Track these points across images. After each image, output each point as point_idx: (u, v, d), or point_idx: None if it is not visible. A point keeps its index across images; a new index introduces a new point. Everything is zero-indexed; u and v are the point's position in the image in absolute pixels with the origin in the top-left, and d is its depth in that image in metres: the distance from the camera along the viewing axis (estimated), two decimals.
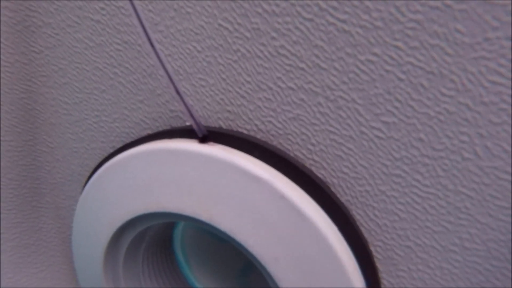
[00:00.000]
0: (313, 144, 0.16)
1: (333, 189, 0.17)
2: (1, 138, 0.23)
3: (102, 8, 0.19)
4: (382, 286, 0.17)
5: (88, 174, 0.23)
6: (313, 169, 0.17)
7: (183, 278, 0.26)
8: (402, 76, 0.14)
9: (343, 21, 0.14)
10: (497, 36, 0.12)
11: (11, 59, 0.22)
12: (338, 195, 0.17)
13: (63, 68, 0.21)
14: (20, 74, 0.22)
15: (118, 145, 0.21)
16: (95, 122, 0.22)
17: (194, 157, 0.17)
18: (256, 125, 0.17)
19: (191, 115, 0.16)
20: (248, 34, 0.16)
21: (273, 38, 0.15)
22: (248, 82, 0.17)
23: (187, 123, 0.19)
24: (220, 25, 0.16)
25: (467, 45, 0.13)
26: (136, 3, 0.15)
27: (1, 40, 0.21)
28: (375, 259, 0.17)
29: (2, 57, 0.22)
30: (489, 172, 0.14)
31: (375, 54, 0.14)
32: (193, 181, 0.17)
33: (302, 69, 0.15)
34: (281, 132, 0.17)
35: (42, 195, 0.26)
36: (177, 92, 0.15)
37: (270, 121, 0.17)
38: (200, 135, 0.16)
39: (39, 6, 0.20)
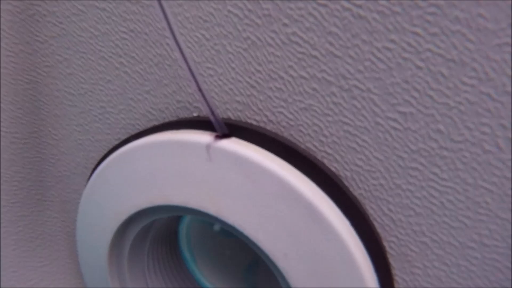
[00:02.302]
0: (325, 136, 0.16)
1: (346, 183, 0.16)
2: (5, 130, 0.23)
3: None
4: (396, 283, 0.17)
5: (93, 166, 0.23)
6: (325, 161, 0.16)
7: (189, 273, 0.25)
8: (421, 64, 0.13)
9: (359, 6, 0.14)
10: None
11: (15, 49, 0.21)
12: (351, 189, 0.16)
13: (68, 58, 0.21)
14: (24, 65, 0.22)
15: (124, 137, 0.21)
16: (100, 113, 0.21)
17: (202, 149, 0.16)
18: (266, 116, 0.17)
19: (212, 113, 0.15)
20: (258, 21, 0.15)
21: (285, 24, 0.15)
22: (259, 71, 0.16)
23: (194, 114, 0.18)
24: (229, 11, 0.16)
25: (490, 31, 0.12)
26: None
27: (5, 29, 0.21)
28: (389, 255, 0.16)
29: (6, 47, 0.21)
30: (511, 165, 0.13)
31: (392, 41, 0.13)
32: (200, 174, 0.16)
33: (315, 57, 0.15)
34: (292, 123, 0.16)
35: (46, 188, 0.25)
36: (199, 89, 0.15)
37: (281, 112, 0.16)
38: (220, 133, 0.16)
39: None
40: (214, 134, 0.17)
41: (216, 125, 0.16)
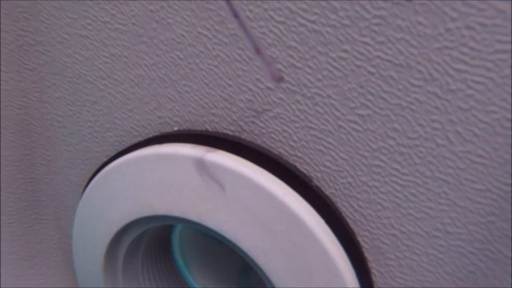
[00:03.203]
0: (295, 141, 0.17)
1: (317, 183, 0.17)
2: (0, 153, 0.24)
3: (89, 24, 0.19)
4: (373, 275, 0.18)
5: (85, 183, 0.24)
6: (297, 164, 0.17)
7: (183, 281, 0.26)
8: (372, 70, 0.15)
9: (313, 22, 0.15)
10: (457, 26, 0.13)
11: (6, 77, 0.23)
12: (323, 189, 0.17)
13: (56, 83, 0.22)
14: (15, 91, 0.23)
15: (112, 154, 0.22)
16: (88, 133, 0.22)
17: (182, 160, 0.17)
18: (240, 126, 0.18)
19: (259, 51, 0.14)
20: (226, 40, 0.17)
21: None
22: (230, 85, 0.17)
23: (175, 128, 0.20)
24: (199, 33, 0.17)
25: (430, 37, 0.14)
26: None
27: None
28: (363, 249, 0.17)
29: None
30: (462, 156, 0.14)
31: (345, 51, 0.15)
32: (181, 183, 0.17)
33: (279, 69, 0.16)
34: (264, 131, 0.17)
35: (42, 207, 0.26)
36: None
37: (253, 121, 0.18)
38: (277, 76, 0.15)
39: (30, 25, 0.21)
40: (197, 146, 0.18)
41: (266, 66, 0.15)
